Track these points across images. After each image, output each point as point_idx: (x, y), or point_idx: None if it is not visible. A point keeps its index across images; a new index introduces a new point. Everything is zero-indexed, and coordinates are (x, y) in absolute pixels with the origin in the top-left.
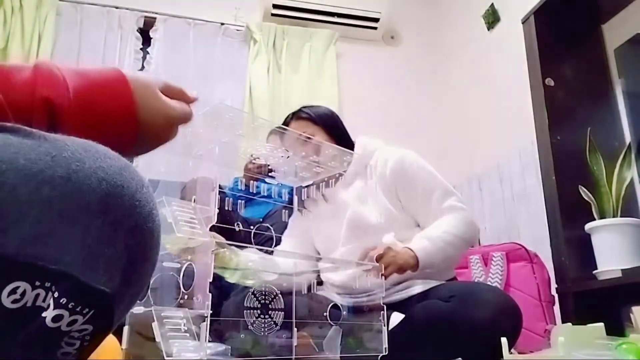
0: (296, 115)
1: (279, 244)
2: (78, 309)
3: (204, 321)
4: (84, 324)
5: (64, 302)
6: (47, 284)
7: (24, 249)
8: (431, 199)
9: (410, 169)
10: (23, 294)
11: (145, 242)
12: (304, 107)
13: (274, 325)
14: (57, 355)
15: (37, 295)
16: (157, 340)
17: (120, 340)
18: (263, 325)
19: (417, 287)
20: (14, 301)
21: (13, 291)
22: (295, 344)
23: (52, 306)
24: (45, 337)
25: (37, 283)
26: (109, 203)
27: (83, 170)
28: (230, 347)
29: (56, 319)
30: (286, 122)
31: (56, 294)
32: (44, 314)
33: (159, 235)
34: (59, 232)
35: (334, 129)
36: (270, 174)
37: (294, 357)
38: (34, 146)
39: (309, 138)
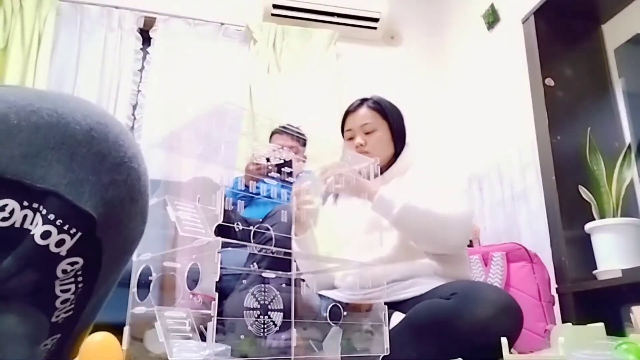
0: (366, 104)
1: (278, 244)
2: (65, 227)
3: (210, 321)
4: (72, 250)
5: (51, 219)
6: (35, 205)
7: (12, 167)
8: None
9: (437, 177)
10: (12, 212)
11: (132, 182)
12: (375, 96)
13: (273, 326)
14: (56, 304)
15: (25, 216)
16: (160, 340)
17: (120, 341)
18: (262, 325)
19: (423, 287)
20: (3, 219)
21: (2, 208)
22: (294, 344)
23: (40, 223)
24: (37, 257)
25: (25, 203)
26: (93, 136)
27: (68, 107)
28: (230, 347)
29: (45, 235)
30: (352, 108)
31: (44, 212)
32: (32, 232)
33: (146, 181)
34: (45, 154)
35: (397, 127)
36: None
37: (292, 357)
38: (21, 88)
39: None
